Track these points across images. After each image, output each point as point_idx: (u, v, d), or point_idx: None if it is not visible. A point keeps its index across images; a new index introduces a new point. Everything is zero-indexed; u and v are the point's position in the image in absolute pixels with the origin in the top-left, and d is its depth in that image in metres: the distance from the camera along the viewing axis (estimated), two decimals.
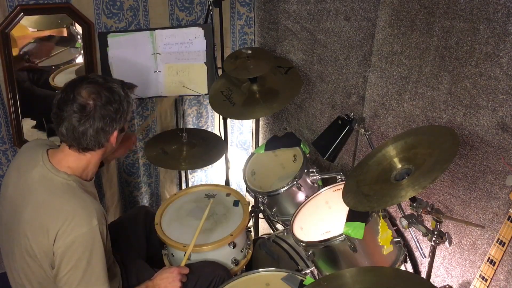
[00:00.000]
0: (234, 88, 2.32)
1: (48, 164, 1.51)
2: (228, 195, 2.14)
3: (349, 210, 1.69)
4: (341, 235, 1.67)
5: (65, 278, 1.45)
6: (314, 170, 2.10)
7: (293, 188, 2.04)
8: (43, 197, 1.48)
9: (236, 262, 1.92)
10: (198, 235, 1.83)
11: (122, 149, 1.94)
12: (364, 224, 1.64)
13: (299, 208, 1.96)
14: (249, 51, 2.22)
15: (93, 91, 1.46)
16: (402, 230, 2.00)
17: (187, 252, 1.79)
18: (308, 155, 2.16)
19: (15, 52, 2.19)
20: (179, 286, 1.70)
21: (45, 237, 1.43)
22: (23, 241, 1.47)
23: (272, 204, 2.15)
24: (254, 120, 2.68)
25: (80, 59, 2.41)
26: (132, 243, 1.98)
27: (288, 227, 1.95)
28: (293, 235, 1.84)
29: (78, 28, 2.29)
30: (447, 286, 1.65)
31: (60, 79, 2.41)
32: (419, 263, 2.00)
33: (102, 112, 1.46)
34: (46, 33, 2.36)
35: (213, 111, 2.64)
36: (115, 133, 1.53)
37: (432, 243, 1.52)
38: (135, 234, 2.02)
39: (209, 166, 2.95)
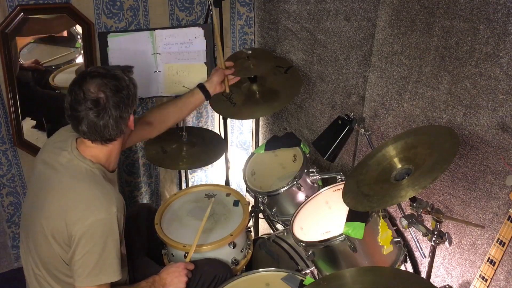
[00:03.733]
0: (234, 88, 2.32)
1: (75, 151, 1.56)
2: (228, 195, 2.14)
3: (349, 210, 1.69)
4: (341, 235, 1.67)
5: (80, 262, 1.48)
6: (314, 170, 2.10)
7: (293, 188, 2.04)
8: (67, 181, 1.53)
9: (236, 262, 1.92)
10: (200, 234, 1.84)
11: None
12: (364, 224, 1.64)
13: (299, 208, 1.96)
14: (249, 51, 2.22)
15: (100, 84, 1.48)
16: (402, 230, 2.00)
17: (191, 250, 1.80)
18: (308, 155, 2.16)
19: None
20: (185, 280, 1.72)
21: (64, 219, 1.47)
22: (45, 221, 1.51)
23: (272, 204, 2.15)
24: (254, 120, 2.68)
25: (80, 59, 2.42)
26: (134, 240, 1.97)
27: (288, 227, 1.95)
28: (293, 235, 1.84)
29: (78, 28, 2.30)
30: (447, 286, 1.65)
31: (60, 79, 2.42)
32: (419, 263, 2.01)
33: (115, 100, 1.49)
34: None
35: (213, 111, 2.64)
36: (131, 117, 1.57)
37: (432, 243, 1.52)
38: (137, 232, 2.02)
39: (209, 166, 2.95)
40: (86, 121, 1.48)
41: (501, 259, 1.44)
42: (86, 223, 1.46)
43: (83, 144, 1.58)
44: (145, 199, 2.80)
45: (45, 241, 1.52)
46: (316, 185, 2.13)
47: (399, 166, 1.64)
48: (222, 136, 2.59)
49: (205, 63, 2.33)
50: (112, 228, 1.49)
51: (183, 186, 2.74)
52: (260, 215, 2.47)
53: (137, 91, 1.60)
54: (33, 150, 2.34)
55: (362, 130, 1.99)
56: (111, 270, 1.52)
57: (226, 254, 1.90)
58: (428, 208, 1.51)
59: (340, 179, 2.03)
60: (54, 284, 1.59)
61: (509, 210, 1.41)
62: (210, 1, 2.38)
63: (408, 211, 1.68)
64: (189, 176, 2.90)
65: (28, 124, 2.33)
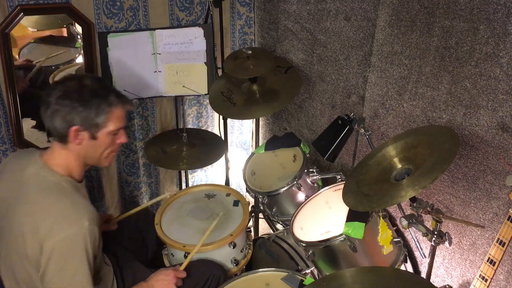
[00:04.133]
0: (234, 88, 2.32)
1: (40, 163, 1.54)
2: (228, 195, 2.14)
3: (349, 210, 1.69)
4: (341, 235, 1.67)
5: (54, 279, 1.44)
6: (314, 170, 2.10)
7: (293, 188, 2.04)
8: (35, 195, 1.49)
9: (236, 262, 1.92)
10: (202, 239, 1.83)
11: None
12: (364, 224, 1.64)
13: (299, 208, 1.96)
14: (249, 51, 2.22)
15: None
16: (402, 230, 2.00)
17: (187, 259, 1.79)
18: (308, 155, 2.16)
19: (15, 52, 2.20)
20: None
21: (34, 235, 1.43)
22: (13, 239, 1.47)
23: (272, 204, 2.15)
24: (254, 120, 2.68)
25: (80, 59, 2.42)
26: (127, 243, 1.97)
27: (288, 227, 1.95)
28: (293, 235, 1.84)
29: (78, 28, 2.29)
30: (447, 286, 1.65)
31: None
32: (419, 263, 2.00)
33: (64, 102, 1.49)
34: (46, 33, 2.37)
35: (213, 111, 2.64)
36: (74, 128, 1.51)
37: (432, 243, 1.52)
38: (130, 233, 2.01)
39: (209, 166, 2.95)
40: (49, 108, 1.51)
41: (501, 259, 1.44)
42: (57, 238, 1.41)
43: (46, 155, 1.57)
44: (145, 199, 2.80)
45: (18, 260, 1.49)
46: (316, 185, 2.13)
47: (399, 166, 1.63)
48: (222, 136, 2.59)
49: (205, 63, 2.33)
50: (85, 242, 1.45)
51: (183, 186, 2.74)
52: (260, 215, 2.46)
53: (100, 115, 1.53)
54: None
55: (362, 130, 1.99)
56: (85, 286, 1.48)
57: (226, 254, 1.90)
58: (428, 208, 1.51)
59: (340, 179, 2.03)
60: None
61: (509, 210, 1.41)
62: (210, 1, 2.38)
63: (408, 211, 1.68)
64: (189, 176, 2.90)
65: (28, 124, 2.33)
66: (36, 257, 1.44)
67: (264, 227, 2.67)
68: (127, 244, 1.96)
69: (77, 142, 1.53)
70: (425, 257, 1.88)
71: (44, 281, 1.45)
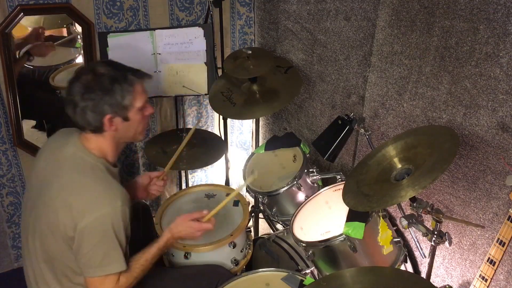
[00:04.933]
0: (234, 88, 2.32)
1: (79, 144, 1.60)
2: (228, 195, 2.13)
3: (349, 210, 1.69)
4: (341, 235, 1.67)
5: (89, 254, 1.50)
6: (314, 170, 2.10)
7: (293, 188, 2.04)
8: (71, 174, 1.55)
9: (236, 262, 1.92)
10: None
11: (145, 192, 1.98)
12: (364, 224, 1.64)
13: (299, 208, 1.96)
14: (249, 51, 2.22)
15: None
16: (402, 230, 2.00)
17: (216, 208, 1.82)
18: (308, 155, 2.16)
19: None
20: (199, 235, 1.75)
21: (68, 213, 1.49)
22: (46, 213, 1.52)
23: (272, 204, 2.15)
24: (254, 120, 2.68)
25: (80, 59, 2.42)
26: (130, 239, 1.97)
27: (288, 227, 1.95)
28: (293, 235, 1.84)
29: (78, 28, 2.30)
30: (447, 286, 1.65)
31: (60, 79, 2.41)
32: (419, 263, 2.00)
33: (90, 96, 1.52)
34: (46, 33, 2.37)
35: (213, 111, 2.64)
36: (107, 117, 1.55)
37: (432, 243, 1.52)
38: (132, 230, 2.01)
39: (209, 166, 2.95)
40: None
41: (501, 259, 1.44)
42: (92, 217, 1.48)
43: (84, 139, 1.62)
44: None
45: (50, 233, 1.53)
46: (316, 185, 2.12)
47: (399, 166, 1.63)
48: (222, 136, 2.59)
49: (205, 63, 2.33)
50: (118, 221, 1.51)
51: (183, 186, 2.74)
52: (260, 215, 2.46)
53: (125, 96, 1.57)
54: (33, 150, 2.34)
55: (362, 130, 1.99)
56: (120, 261, 1.54)
57: (226, 254, 1.90)
58: (428, 208, 1.51)
59: (340, 179, 2.03)
60: (55, 285, 1.59)
61: (509, 210, 1.41)
62: (210, 1, 2.38)
63: (408, 211, 1.68)
64: (189, 176, 2.90)
65: (28, 124, 2.33)
66: (69, 233, 1.50)
67: (264, 227, 2.67)
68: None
69: (113, 129, 1.59)
70: (425, 257, 1.88)
71: (79, 254, 1.51)
